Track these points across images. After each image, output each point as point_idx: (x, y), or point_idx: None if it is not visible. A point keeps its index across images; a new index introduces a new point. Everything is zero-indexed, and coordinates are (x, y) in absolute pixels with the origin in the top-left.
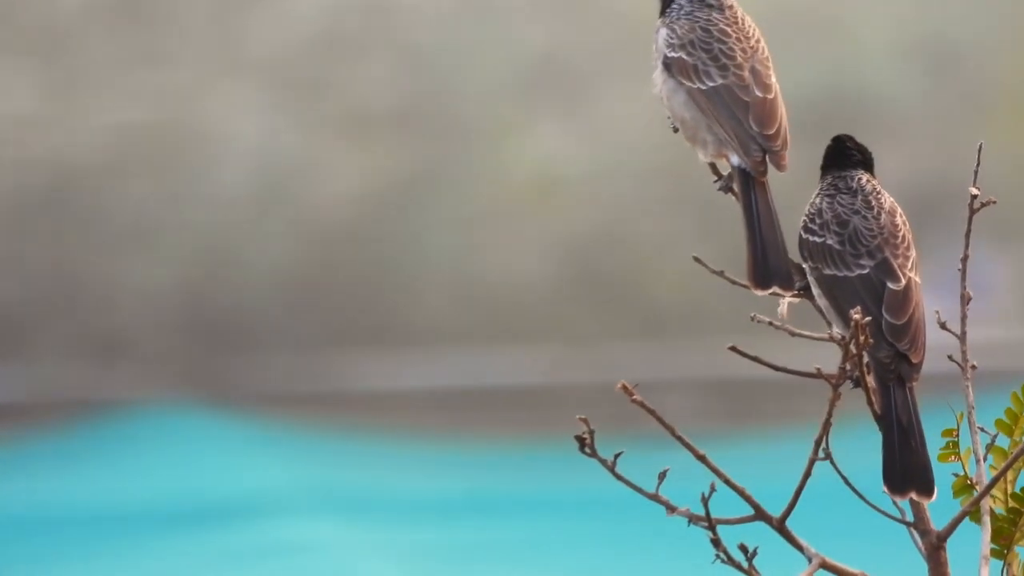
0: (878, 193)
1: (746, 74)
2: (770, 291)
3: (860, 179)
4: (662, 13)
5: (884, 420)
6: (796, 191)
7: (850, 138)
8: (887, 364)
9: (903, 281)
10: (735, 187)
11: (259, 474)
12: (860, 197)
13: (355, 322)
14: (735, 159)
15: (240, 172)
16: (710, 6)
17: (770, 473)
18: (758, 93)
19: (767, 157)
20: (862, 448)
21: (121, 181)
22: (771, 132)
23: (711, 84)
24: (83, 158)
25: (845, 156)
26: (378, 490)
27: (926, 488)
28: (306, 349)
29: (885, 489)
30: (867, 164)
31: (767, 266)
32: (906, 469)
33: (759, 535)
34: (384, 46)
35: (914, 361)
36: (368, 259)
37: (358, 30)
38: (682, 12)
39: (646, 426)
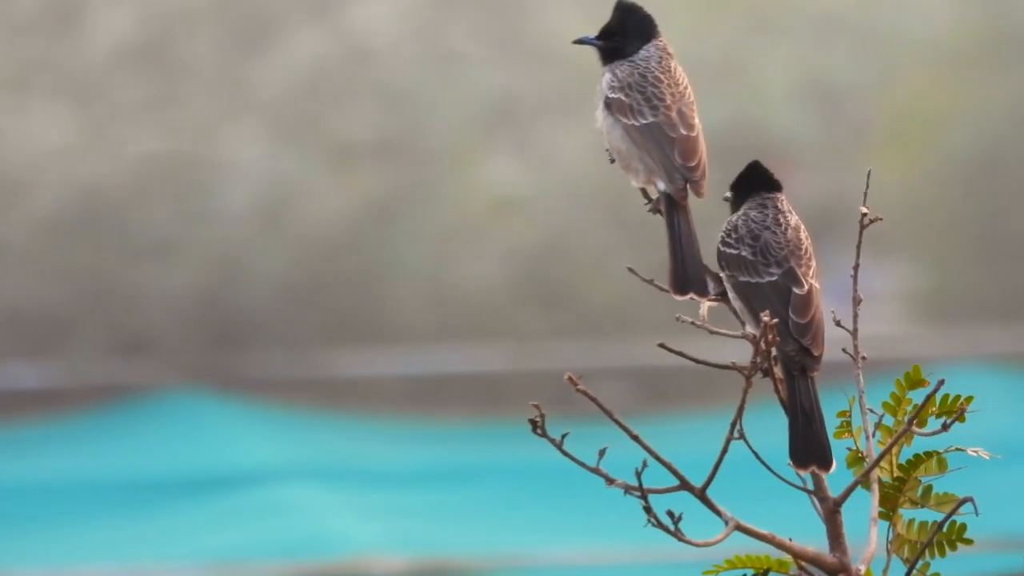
0: (787, 212)
1: (673, 115)
2: (688, 297)
3: (775, 200)
4: (606, 62)
5: (790, 405)
6: (714, 212)
7: (761, 165)
8: (793, 357)
9: (806, 287)
10: (662, 208)
11: (259, 449)
12: (771, 215)
13: (341, 321)
14: (661, 185)
15: (245, 195)
16: (652, 56)
17: (693, 450)
18: (683, 131)
19: (688, 185)
20: (771, 428)
21: (145, 203)
22: (693, 164)
23: (644, 121)
24: (113, 184)
25: (769, 181)
26: (359, 462)
27: (825, 463)
28: (300, 344)
29: (791, 464)
30: (779, 186)
31: (686, 275)
32: (808, 447)
33: (684, 503)
34: (366, 88)
35: (815, 354)
36: (353, 268)
37: (344, 75)
38: (625, 59)
39: (586, 410)
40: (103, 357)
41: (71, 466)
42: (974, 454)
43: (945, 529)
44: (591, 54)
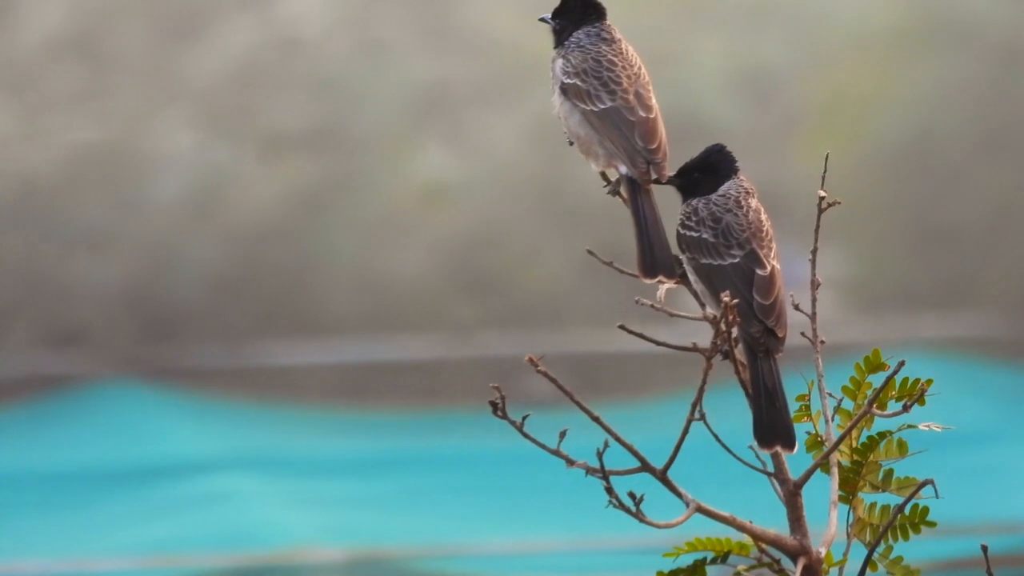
0: (748, 195)
1: (631, 97)
2: (657, 279)
3: (735, 184)
4: (557, 45)
5: (753, 385)
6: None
7: (722, 149)
8: (757, 338)
9: (768, 268)
10: (623, 192)
11: (192, 439)
12: (732, 198)
13: (274, 311)
14: (623, 169)
15: (177, 185)
16: (596, 40)
17: (631, 433)
18: (642, 114)
19: (650, 167)
20: (731, 411)
21: (77, 193)
22: (654, 146)
23: (602, 106)
24: (45, 174)
25: (730, 166)
26: (293, 451)
27: (789, 442)
28: (233, 335)
29: (755, 443)
30: (736, 169)
31: (654, 258)
32: (773, 426)
33: (645, 484)
34: (297, 78)
35: (780, 335)
36: (285, 258)
37: (275, 64)
38: (576, 45)
39: (520, 398)
40: (35, 349)
41: (4, 458)
42: (926, 428)
43: (907, 512)
44: (522, 42)
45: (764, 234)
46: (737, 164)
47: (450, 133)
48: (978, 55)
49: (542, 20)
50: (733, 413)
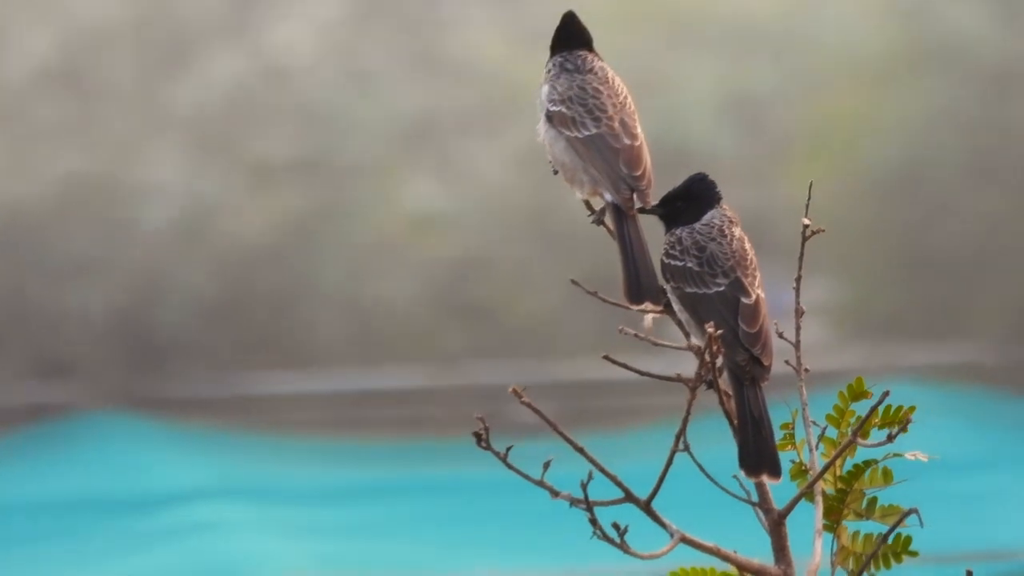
0: (731, 223)
1: (616, 125)
2: (643, 306)
3: (722, 212)
4: (546, 70)
5: (739, 414)
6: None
7: (706, 177)
8: (743, 366)
9: (753, 296)
10: (608, 220)
11: (180, 469)
12: (716, 227)
13: (262, 340)
14: (608, 196)
15: (165, 215)
16: (581, 69)
17: (616, 468)
18: (627, 141)
19: (635, 195)
20: (715, 441)
21: (65, 223)
22: (639, 173)
23: (587, 133)
24: (33, 204)
25: (714, 196)
26: (281, 480)
27: (775, 470)
28: (220, 364)
29: (741, 471)
30: (719, 197)
31: (640, 284)
32: (759, 454)
33: (629, 515)
34: (285, 107)
35: (765, 363)
36: (273, 287)
37: (263, 93)
38: (559, 72)
39: (505, 425)
40: (23, 378)
41: None
42: (912, 458)
43: (891, 541)
44: (510, 71)
45: (748, 262)
46: (720, 192)
47: (438, 162)
48: (967, 81)
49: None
50: (717, 442)
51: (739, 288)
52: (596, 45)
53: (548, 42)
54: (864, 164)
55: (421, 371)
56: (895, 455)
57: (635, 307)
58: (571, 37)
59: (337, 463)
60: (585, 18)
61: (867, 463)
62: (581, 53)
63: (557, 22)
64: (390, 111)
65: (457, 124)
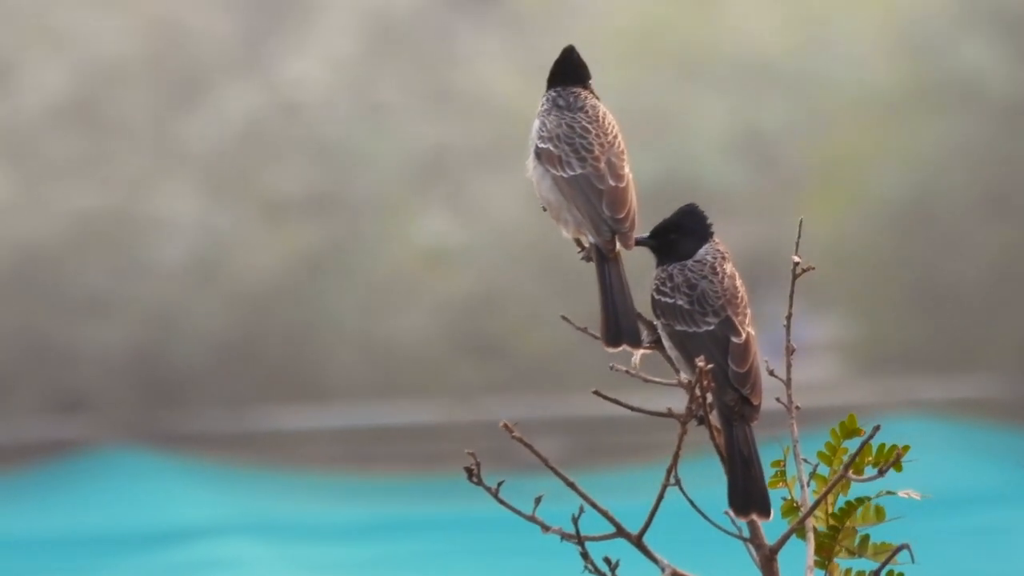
0: (723, 260)
1: (602, 165)
2: (620, 348)
3: (715, 247)
4: (540, 105)
5: (728, 453)
6: (648, 260)
7: (697, 208)
8: (732, 406)
9: (743, 335)
10: (593, 259)
11: (197, 505)
12: (708, 264)
13: (276, 376)
14: (590, 237)
15: (179, 250)
16: (572, 107)
17: (629, 501)
18: (611, 182)
19: (616, 237)
20: (707, 478)
21: (79, 259)
22: (621, 216)
23: (572, 173)
24: (47, 241)
25: (705, 226)
26: (296, 516)
27: (764, 510)
28: (236, 400)
29: (730, 511)
30: (711, 232)
31: (618, 327)
32: (748, 494)
33: (621, 550)
34: (298, 142)
35: (754, 403)
36: (287, 322)
37: (276, 129)
38: (550, 107)
39: (521, 463)
40: (39, 415)
41: (8, 524)
42: (905, 496)
43: None
44: (523, 107)
45: (739, 300)
46: (711, 226)
47: (451, 197)
48: (978, 115)
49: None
50: (709, 478)
51: (729, 327)
52: (609, 81)
53: None
54: (876, 199)
55: (435, 406)
56: (888, 493)
57: (612, 349)
58: (568, 72)
59: (351, 499)
60: (597, 55)
61: (859, 500)
62: (575, 90)
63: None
64: (403, 146)
65: (470, 159)
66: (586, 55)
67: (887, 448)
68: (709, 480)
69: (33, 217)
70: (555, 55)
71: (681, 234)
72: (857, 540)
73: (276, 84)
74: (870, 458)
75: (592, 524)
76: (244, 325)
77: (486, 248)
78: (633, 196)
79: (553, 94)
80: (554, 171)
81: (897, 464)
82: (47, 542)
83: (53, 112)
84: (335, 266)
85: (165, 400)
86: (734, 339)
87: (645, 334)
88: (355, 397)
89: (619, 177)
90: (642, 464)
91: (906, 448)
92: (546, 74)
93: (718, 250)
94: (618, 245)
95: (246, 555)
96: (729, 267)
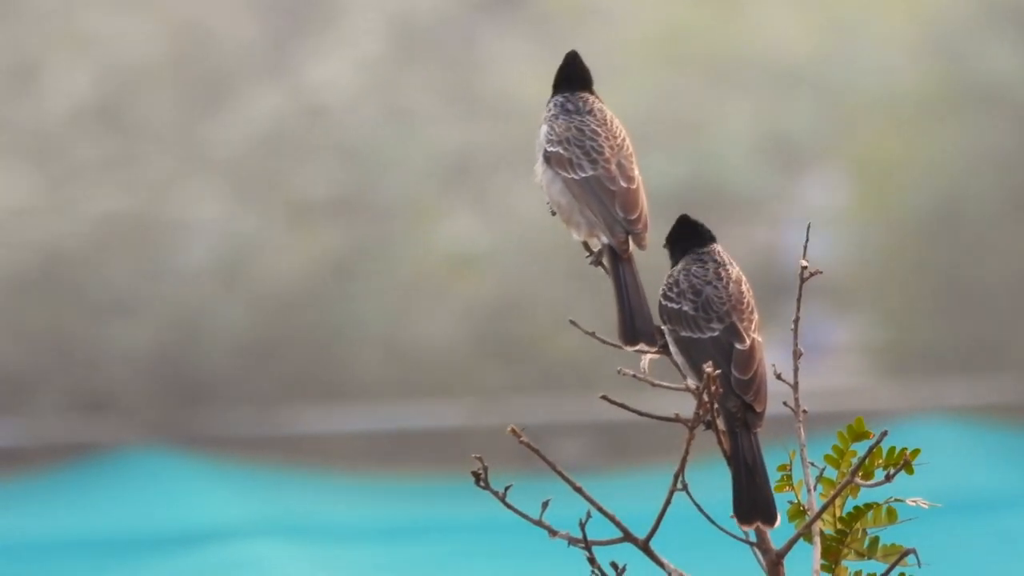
0: (728, 264)
1: (613, 167)
2: (637, 348)
3: (713, 253)
4: (546, 110)
5: (733, 460)
6: (662, 262)
7: (693, 219)
8: (735, 413)
9: (748, 342)
10: (605, 262)
11: (221, 506)
12: (712, 269)
13: (302, 378)
14: (604, 238)
15: (204, 253)
16: (581, 110)
17: (638, 502)
18: (623, 184)
19: (630, 237)
20: (715, 481)
21: (104, 261)
22: (634, 217)
23: (583, 175)
24: (72, 242)
25: (701, 235)
26: (319, 518)
27: (769, 518)
28: (260, 401)
29: (735, 519)
30: (714, 238)
31: (634, 327)
32: (753, 502)
33: (628, 555)
34: (323, 145)
35: (758, 410)
36: (312, 325)
37: (301, 132)
38: (559, 112)
39: (541, 463)
40: (64, 415)
41: (32, 525)
42: (913, 504)
43: None
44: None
45: (745, 306)
46: (703, 233)
47: (477, 200)
48: (1005, 119)
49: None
50: (718, 482)
51: (734, 333)
52: (634, 85)
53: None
54: (901, 203)
55: (459, 409)
56: (896, 500)
57: (629, 349)
58: (573, 78)
59: (376, 501)
60: (623, 58)
61: (868, 506)
62: (583, 95)
63: (593, 61)
64: (429, 149)
65: (496, 162)
66: (611, 59)
67: (897, 452)
68: (718, 484)
69: (58, 219)
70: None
71: (674, 244)
72: (867, 542)
73: (301, 87)
74: (880, 461)
75: (601, 528)
76: (269, 327)
77: (511, 251)
78: (644, 197)
79: (560, 99)
80: (565, 174)
81: (908, 468)
82: (71, 543)
83: (78, 114)
84: (360, 269)
85: (190, 401)
86: (738, 345)
87: (658, 337)
88: (379, 399)
89: (630, 179)
90: (669, 466)
91: (916, 452)
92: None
93: (722, 255)
94: (631, 246)
95: (270, 556)
96: (735, 272)
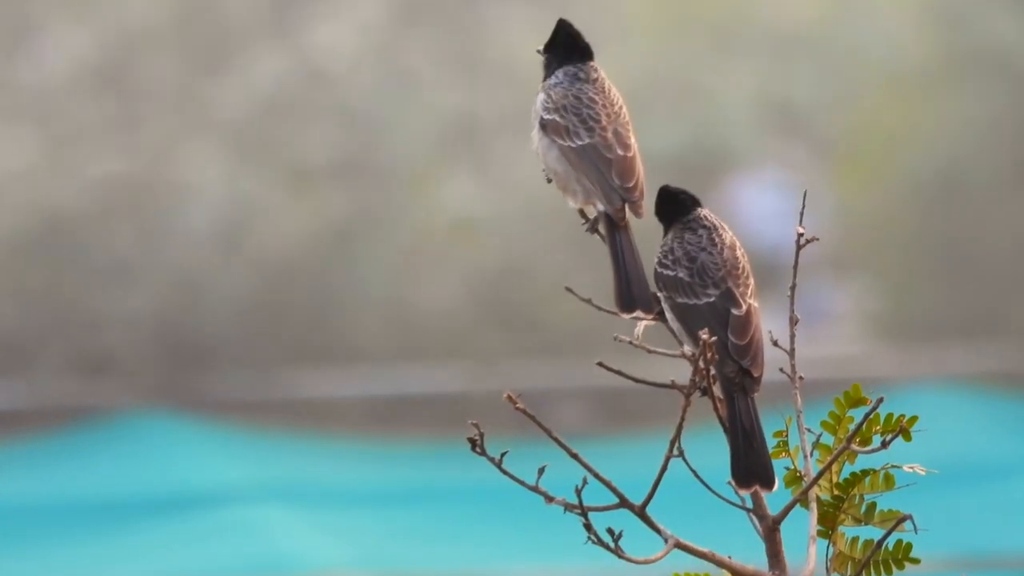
0: (719, 229)
1: (609, 135)
2: (633, 315)
3: (704, 219)
4: (544, 79)
5: (730, 425)
6: (656, 230)
7: (672, 189)
8: (732, 378)
9: (744, 307)
10: (601, 229)
11: (220, 469)
12: (705, 236)
13: (302, 342)
14: (600, 206)
15: (205, 216)
16: (579, 79)
17: (635, 468)
18: (619, 152)
19: (626, 205)
20: (713, 449)
21: (105, 224)
22: (630, 185)
23: (580, 143)
24: (73, 205)
25: (683, 204)
26: (320, 481)
27: (767, 482)
28: (261, 365)
29: (732, 484)
30: (698, 202)
31: (631, 294)
32: (750, 467)
33: (624, 521)
34: (325, 110)
35: (755, 375)
36: (313, 289)
37: (303, 95)
38: (556, 81)
39: (539, 429)
40: (64, 378)
41: (32, 488)
42: (910, 470)
43: (891, 548)
44: None
45: (740, 271)
46: (686, 201)
47: (478, 164)
48: (1007, 88)
49: (538, 52)
50: (714, 449)
51: (729, 299)
52: (638, 50)
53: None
54: (904, 170)
55: (460, 374)
56: (893, 467)
57: (626, 315)
58: (583, 49)
59: (377, 464)
60: (627, 23)
61: (865, 472)
62: (592, 64)
63: (596, 25)
64: (430, 113)
65: (497, 126)
66: (615, 23)
67: (894, 418)
68: (714, 451)
69: (59, 182)
70: (582, 22)
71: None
72: (864, 508)
73: (303, 50)
74: (877, 428)
75: (597, 494)
76: (270, 291)
77: (513, 216)
78: (640, 166)
79: (573, 69)
80: (561, 141)
81: (905, 434)
82: (71, 506)
83: (80, 76)
84: (362, 233)
85: (191, 365)
86: (734, 311)
87: (654, 304)
88: (381, 364)
89: (626, 147)
90: (667, 432)
91: (913, 419)
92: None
93: (712, 221)
94: (628, 213)
95: (269, 520)
96: (729, 237)
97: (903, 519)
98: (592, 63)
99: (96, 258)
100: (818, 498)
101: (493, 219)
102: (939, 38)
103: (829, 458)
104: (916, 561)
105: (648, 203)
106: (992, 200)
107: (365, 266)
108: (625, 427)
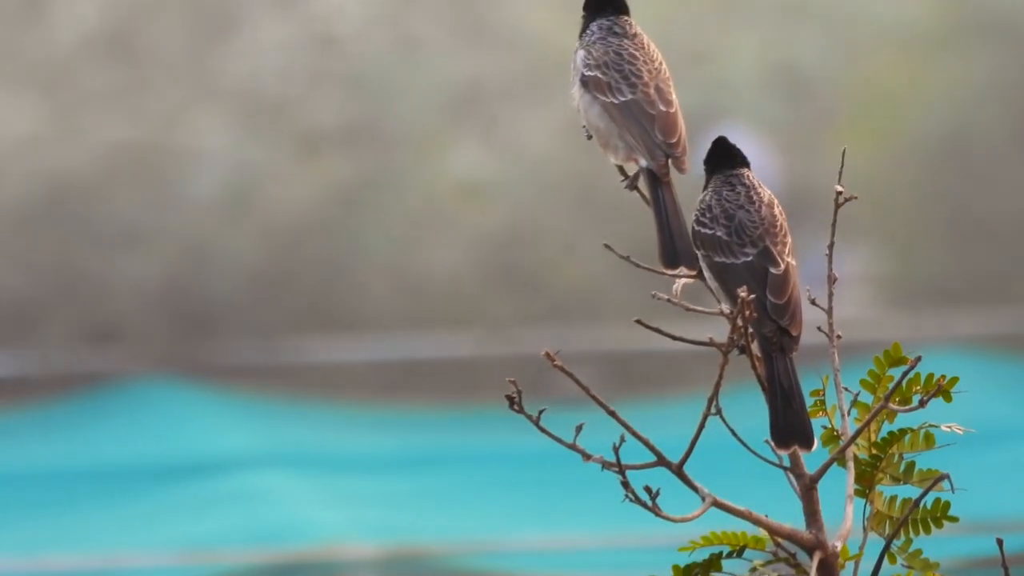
0: (758, 188)
1: (651, 91)
2: (678, 270)
3: (743, 177)
4: (581, 35)
5: (769, 385)
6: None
7: (730, 142)
8: (771, 338)
9: (782, 266)
10: (641, 186)
11: (229, 436)
12: (743, 193)
13: (310, 308)
14: (643, 162)
15: (212, 183)
16: (618, 34)
17: (662, 433)
18: (662, 107)
19: (669, 161)
20: (748, 408)
21: (112, 191)
22: (673, 140)
23: (622, 99)
24: (80, 172)
25: (731, 157)
26: (328, 448)
27: (806, 441)
28: (269, 332)
29: (771, 443)
30: (747, 162)
31: (675, 249)
32: (789, 426)
33: (661, 479)
34: (333, 75)
35: (794, 334)
36: (320, 255)
37: (311, 62)
38: (596, 37)
39: (554, 396)
40: (72, 345)
41: (41, 455)
42: (948, 430)
43: (930, 506)
44: (557, 39)
45: (778, 229)
46: (736, 157)
47: (485, 130)
48: (1013, 51)
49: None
50: (751, 408)
51: (767, 258)
52: (644, 14)
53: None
54: (910, 133)
55: (469, 339)
56: (931, 426)
57: (669, 272)
58: (613, 1)
59: (384, 431)
60: None
61: (903, 431)
62: (626, 18)
63: None
64: (437, 79)
65: (504, 92)
66: None
67: (935, 378)
68: (749, 410)
69: (67, 148)
70: None
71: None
72: (903, 467)
73: (311, 17)
74: (917, 387)
75: (633, 453)
76: (277, 257)
77: (520, 181)
78: (682, 122)
79: (607, 22)
80: (603, 98)
81: (945, 394)
82: (80, 473)
83: (87, 43)
84: (368, 199)
85: (198, 332)
86: (772, 270)
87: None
88: (388, 330)
89: (668, 103)
90: (675, 396)
91: (954, 380)
92: (581, 6)
93: (752, 179)
94: (671, 169)
95: (277, 486)
96: (767, 195)
97: (941, 478)
98: (626, 17)
99: (103, 225)
100: (856, 457)
101: (500, 184)
102: (945, 1)
103: (867, 416)
104: (955, 519)
105: (692, 159)
106: (999, 163)
107: (372, 232)
108: (633, 392)
